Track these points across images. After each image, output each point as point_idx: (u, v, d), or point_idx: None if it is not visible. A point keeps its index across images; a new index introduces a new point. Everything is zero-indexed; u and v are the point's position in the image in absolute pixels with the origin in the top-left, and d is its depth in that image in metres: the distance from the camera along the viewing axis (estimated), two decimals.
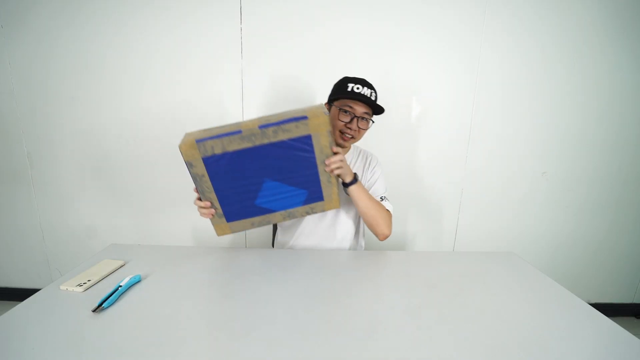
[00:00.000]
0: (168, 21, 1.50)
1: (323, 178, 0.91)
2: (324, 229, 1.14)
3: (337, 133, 1.07)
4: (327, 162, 0.89)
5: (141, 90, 1.57)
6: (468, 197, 1.72)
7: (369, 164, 1.15)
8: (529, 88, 1.59)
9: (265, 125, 0.81)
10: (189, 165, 0.84)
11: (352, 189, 0.99)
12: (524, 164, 1.69)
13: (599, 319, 0.73)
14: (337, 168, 0.91)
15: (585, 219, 1.77)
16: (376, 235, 1.07)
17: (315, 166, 0.88)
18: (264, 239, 1.72)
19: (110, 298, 0.73)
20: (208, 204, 0.91)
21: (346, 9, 1.50)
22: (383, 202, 1.09)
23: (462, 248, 1.78)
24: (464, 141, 1.65)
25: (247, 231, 1.73)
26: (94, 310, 0.69)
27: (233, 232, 0.96)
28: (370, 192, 1.09)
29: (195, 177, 0.86)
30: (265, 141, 0.82)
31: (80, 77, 1.56)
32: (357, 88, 1.01)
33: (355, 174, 1.00)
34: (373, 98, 1.03)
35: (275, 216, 0.95)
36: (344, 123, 1.04)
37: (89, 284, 0.80)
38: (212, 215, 0.92)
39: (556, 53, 1.56)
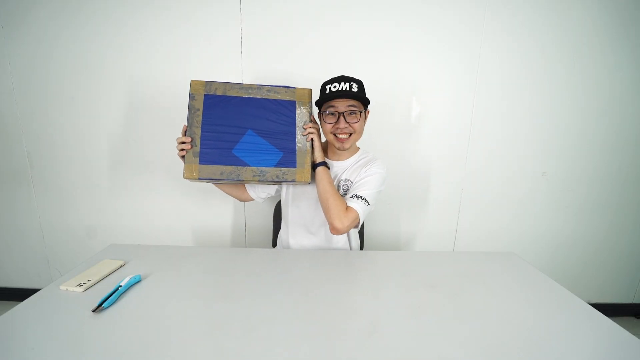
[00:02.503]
0: (168, 21, 1.50)
1: (299, 145, 1.02)
2: (316, 228, 1.15)
3: (332, 137, 1.05)
4: (304, 126, 1.02)
5: (141, 90, 1.57)
6: (468, 197, 1.72)
7: (368, 165, 1.10)
8: (529, 88, 1.59)
9: (262, 84, 1.03)
10: (192, 97, 0.99)
11: (318, 169, 1.02)
12: (524, 164, 1.69)
13: (599, 319, 0.73)
14: (312, 133, 1.02)
15: (585, 219, 1.77)
16: (329, 225, 1.01)
17: (294, 129, 1.02)
18: (264, 239, 1.72)
19: (110, 298, 0.73)
20: (189, 139, 0.97)
21: (346, 9, 1.49)
22: (352, 199, 1.01)
23: (462, 248, 1.78)
24: (464, 141, 1.65)
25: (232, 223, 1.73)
26: (94, 310, 0.69)
27: (200, 177, 0.97)
28: (354, 186, 1.06)
29: (191, 109, 0.99)
30: (259, 96, 1.02)
31: (80, 77, 1.56)
32: (334, 87, 1.01)
33: (325, 160, 1.05)
34: (355, 89, 1.00)
35: (247, 171, 0.99)
36: (331, 124, 1.03)
37: (89, 284, 0.80)
38: (188, 149, 0.97)
39: (556, 53, 1.55)
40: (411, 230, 1.77)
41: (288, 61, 1.54)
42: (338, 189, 1.09)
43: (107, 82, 1.56)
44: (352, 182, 1.09)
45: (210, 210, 1.71)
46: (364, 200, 1.01)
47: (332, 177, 1.10)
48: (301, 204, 1.15)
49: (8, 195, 1.71)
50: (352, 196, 1.02)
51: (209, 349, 0.61)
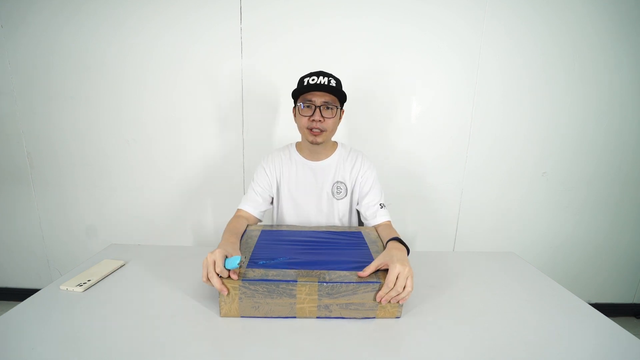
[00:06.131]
0: (168, 21, 1.50)
1: None
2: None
3: (306, 132, 1.03)
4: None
5: (141, 90, 1.57)
6: (468, 197, 1.72)
7: (360, 168, 1.10)
8: (529, 88, 1.59)
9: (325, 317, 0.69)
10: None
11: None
12: (524, 164, 1.69)
13: (599, 319, 0.73)
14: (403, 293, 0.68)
15: (585, 219, 1.77)
16: None
17: None
18: None
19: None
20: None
21: (347, 7, 1.49)
22: (381, 210, 1.06)
23: (462, 248, 1.78)
24: (463, 141, 1.65)
25: None
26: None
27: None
28: (366, 200, 1.08)
29: None
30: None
31: (80, 77, 1.56)
32: (313, 80, 0.98)
33: (407, 248, 0.81)
34: (332, 84, 0.98)
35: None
36: (307, 117, 1.00)
37: (89, 284, 0.80)
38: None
39: (556, 53, 1.55)
40: (411, 230, 1.76)
41: (288, 60, 1.54)
42: (331, 192, 1.10)
43: (107, 82, 1.56)
44: (345, 185, 1.09)
45: (210, 210, 1.71)
46: (385, 208, 1.08)
47: (322, 179, 1.10)
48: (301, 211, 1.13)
49: (8, 195, 1.71)
50: (380, 206, 1.07)
51: (208, 349, 0.61)
